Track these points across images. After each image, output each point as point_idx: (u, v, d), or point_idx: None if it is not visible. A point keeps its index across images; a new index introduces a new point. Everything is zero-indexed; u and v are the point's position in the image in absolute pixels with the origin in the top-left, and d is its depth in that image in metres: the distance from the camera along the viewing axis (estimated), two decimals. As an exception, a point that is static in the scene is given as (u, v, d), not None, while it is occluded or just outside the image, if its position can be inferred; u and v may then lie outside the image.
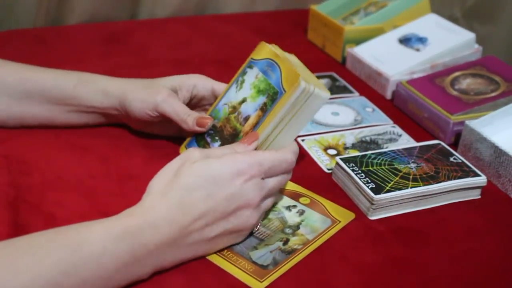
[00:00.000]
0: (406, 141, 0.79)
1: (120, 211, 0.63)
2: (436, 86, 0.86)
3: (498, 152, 0.70)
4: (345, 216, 0.64)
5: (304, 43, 1.14)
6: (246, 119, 0.63)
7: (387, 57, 0.96)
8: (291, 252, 0.58)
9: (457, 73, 0.88)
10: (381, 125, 0.83)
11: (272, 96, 0.61)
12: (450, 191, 0.67)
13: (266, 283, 0.55)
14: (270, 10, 1.31)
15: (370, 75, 0.96)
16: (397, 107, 0.90)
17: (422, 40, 0.97)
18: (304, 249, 0.59)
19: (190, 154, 0.56)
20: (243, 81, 0.66)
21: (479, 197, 0.70)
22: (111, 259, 0.49)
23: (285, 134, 0.61)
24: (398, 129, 0.82)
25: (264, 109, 0.62)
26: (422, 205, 0.67)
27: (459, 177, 0.67)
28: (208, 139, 0.66)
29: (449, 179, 0.67)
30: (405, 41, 0.98)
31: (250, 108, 0.63)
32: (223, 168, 0.54)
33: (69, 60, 0.97)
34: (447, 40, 0.96)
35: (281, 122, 0.60)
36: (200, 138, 0.68)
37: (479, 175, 0.68)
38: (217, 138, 0.66)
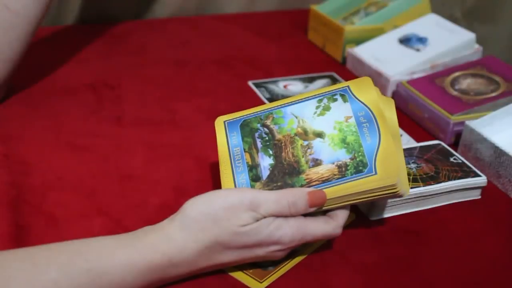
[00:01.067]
0: (406, 141, 0.79)
1: (120, 211, 0.63)
2: (436, 86, 0.86)
3: (498, 152, 0.70)
4: (345, 216, 0.64)
5: (304, 43, 1.14)
6: (316, 162, 0.57)
7: (387, 57, 0.96)
8: (291, 252, 0.58)
9: (457, 73, 0.88)
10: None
11: (358, 164, 0.55)
12: (450, 191, 0.67)
13: (266, 283, 0.55)
14: (270, 10, 1.31)
15: (370, 75, 0.95)
16: (397, 107, 0.90)
17: (422, 40, 0.97)
18: (304, 250, 0.59)
19: (239, 212, 0.51)
20: (328, 108, 0.60)
21: (479, 197, 0.70)
22: None
23: (345, 204, 0.56)
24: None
25: (342, 172, 0.55)
26: (422, 206, 0.67)
27: (459, 178, 0.67)
28: (259, 144, 0.59)
29: (449, 179, 0.67)
30: (405, 41, 0.98)
31: (326, 154, 0.57)
32: (265, 236, 0.52)
33: (69, 60, 0.98)
34: (447, 40, 0.96)
35: (352, 199, 0.55)
36: (252, 166, 0.58)
37: (479, 176, 0.68)
38: (271, 152, 0.58)
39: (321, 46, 1.10)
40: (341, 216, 0.56)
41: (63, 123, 0.79)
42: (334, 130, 0.58)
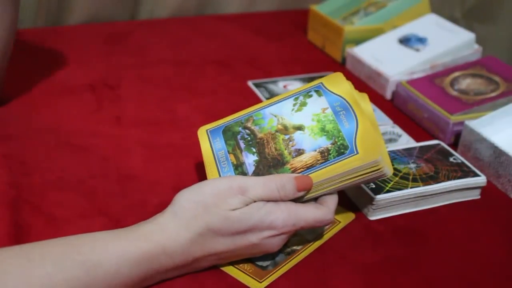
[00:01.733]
0: (406, 142, 0.79)
1: (120, 211, 0.63)
2: (436, 86, 0.86)
3: (498, 152, 0.70)
4: (345, 217, 0.64)
5: (304, 43, 1.14)
6: (299, 152, 0.58)
7: (387, 57, 0.96)
8: (291, 252, 0.58)
9: (456, 73, 0.88)
10: (381, 125, 0.83)
11: (339, 147, 0.57)
12: (449, 191, 0.67)
13: (266, 283, 0.55)
14: (270, 10, 1.31)
15: (370, 75, 0.96)
16: (397, 107, 0.90)
17: (422, 40, 0.97)
18: (304, 250, 0.59)
19: (228, 197, 0.52)
20: (304, 104, 0.62)
21: (479, 197, 0.70)
22: (123, 280, 0.50)
23: (333, 189, 0.57)
24: (398, 129, 0.82)
25: (325, 157, 0.57)
26: (421, 205, 0.67)
27: (459, 177, 0.67)
28: (242, 145, 0.61)
29: (448, 179, 0.67)
30: (405, 41, 0.98)
31: (307, 143, 0.58)
32: (257, 220, 0.52)
33: (69, 60, 0.98)
34: (447, 40, 0.96)
35: (338, 181, 0.56)
36: (237, 165, 0.59)
37: (478, 175, 0.68)
38: (254, 150, 0.60)
39: (320, 46, 1.11)
40: (331, 202, 0.56)
41: (63, 123, 0.79)
42: (312, 121, 0.60)
